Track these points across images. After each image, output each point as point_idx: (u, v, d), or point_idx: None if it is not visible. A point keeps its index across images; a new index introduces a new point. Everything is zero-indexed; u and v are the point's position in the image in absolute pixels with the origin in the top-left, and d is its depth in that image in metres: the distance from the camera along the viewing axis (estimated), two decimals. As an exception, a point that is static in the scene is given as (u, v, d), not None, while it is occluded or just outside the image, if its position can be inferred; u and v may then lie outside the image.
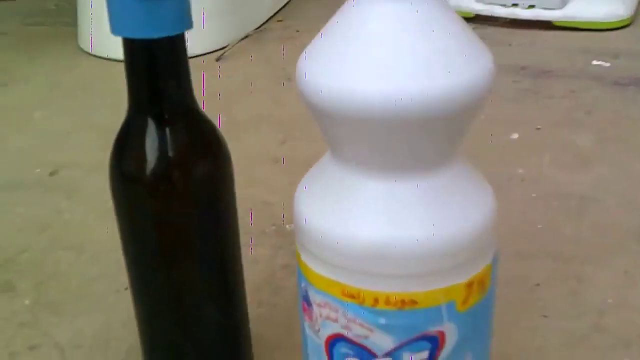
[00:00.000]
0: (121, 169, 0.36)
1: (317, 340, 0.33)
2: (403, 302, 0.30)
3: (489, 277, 0.32)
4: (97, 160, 0.59)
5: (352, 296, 0.31)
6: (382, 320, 0.30)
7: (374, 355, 0.31)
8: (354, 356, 0.32)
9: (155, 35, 0.33)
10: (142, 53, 0.34)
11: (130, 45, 0.34)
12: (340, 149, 0.31)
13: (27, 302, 0.52)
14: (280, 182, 0.66)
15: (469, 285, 0.31)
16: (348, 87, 0.28)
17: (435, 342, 0.31)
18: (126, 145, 0.36)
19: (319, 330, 0.33)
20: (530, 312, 0.49)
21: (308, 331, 0.34)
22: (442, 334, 0.31)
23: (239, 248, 0.40)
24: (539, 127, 0.76)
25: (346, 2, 0.30)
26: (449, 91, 0.28)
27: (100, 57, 1.00)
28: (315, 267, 0.32)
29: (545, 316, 0.48)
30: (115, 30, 0.33)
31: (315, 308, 0.33)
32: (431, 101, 0.27)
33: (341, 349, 0.32)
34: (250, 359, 0.43)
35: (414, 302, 0.30)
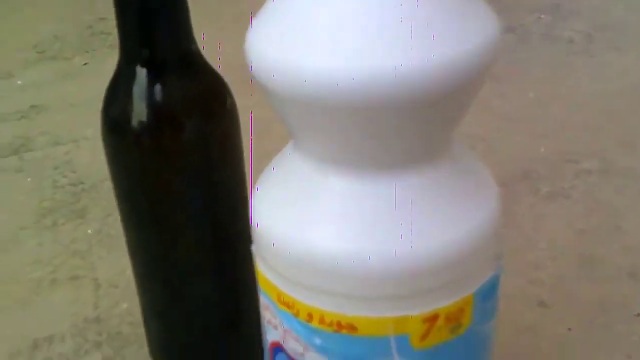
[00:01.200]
0: (109, 120, 0.32)
1: (266, 344, 0.28)
2: (339, 324, 0.24)
3: (469, 312, 0.24)
4: None
5: (287, 305, 0.25)
6: (317, 340, 0.25)
7: (312, 379, 0.26)
8: (291, 372, 0.26)
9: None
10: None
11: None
12: (300, 138, 0.25)
13: (89, 231, 0.52)
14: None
15: (430, 319, 0.24)
16: (295, 63, 0.22)
17: (382, 381, 0.25)
18: (114, 95, 0.32)
19: (265, 333, 0.28)
20: (614, 346, 0.39)
21: (265, 325, 0.29)
22: (391, 372, 0.24)
23: (245, 215, 0.35)
24: None
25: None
26: (428, 70, 0.21)
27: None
28: (258, 263, 0.26)
29: (629, 357, 0.39)
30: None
31: (261, 308, 0.27)
32: (406, 81, 0.21)
33: (279, 359, 0.27)
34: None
35: (352, 327, 0.24)
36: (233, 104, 0.33)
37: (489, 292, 0.25)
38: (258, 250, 0.26)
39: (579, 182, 0.55)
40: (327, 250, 0.23)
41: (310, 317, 0.24)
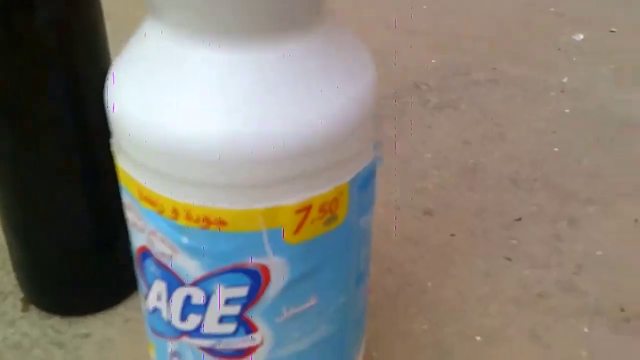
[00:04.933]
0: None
1: (133, 248, 0.26)
2: (207, 220, 0.22)
3: (345, 202, 0.23)
4: None
5: (150, 202, 0.23)
6: (185, 240, 0.23)
7: (181, 283, 0.24)
8: (161, 279, 0.25)
9: None
10: None
11: None
12: (162, 5, 0.22)
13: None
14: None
15: (303, 210, 0.22)
16: None
17: (256, 278, 0.23)
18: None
19: (131, 237, 0.26)
20: (493, 251, 0.40)
21: (130, 228, 0.27)
22: (264, 268, 0.23)
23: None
24: (613, 29, 0.63)
25: None
26: None
27: None
28: (118, 156, 0.24)
29: (508, 259, 0.39)
30: None
31: (125, 209, 0.25)
32: None
33: (150, 267, 0.25)
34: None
35: (221, 222, 0.22)
36: None
37: (364, 183, 0.24)
38: (117, 141, 0.24)
39: (468, 93, 0.55)
40: (187, 133, 0.21)
41: (175, 213, 0.22)
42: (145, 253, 0.25)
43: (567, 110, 0.52)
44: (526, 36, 0.63)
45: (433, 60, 0.59)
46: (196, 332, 0.25)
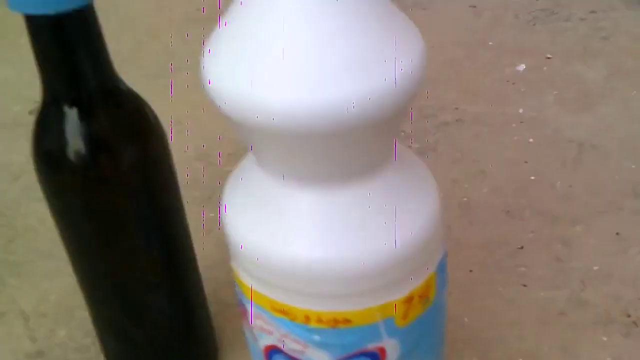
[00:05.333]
0: (43, 158, 0.33)
1: (255, 347, 0.31)
2: (336, 321, 0.28)
3: (433, 286, 0.29)
4: None
5: (283, 312, 0.28)
6: (317, 338, 0.28)
7: (311, 370, 0.30)
8: (291, 369, 0.30)
9: (60, 9, 0.29)
10: (48, 31, 0.30)
11: (33, 22, 0.30)
12: (260, 158, 0.28)
13: (-6, 263, 0.51)
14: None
15: (408, 300, 0.28)
16: (252, 95, 0.24)
17: (375, 358, 0.29)
18: (45, 134, 0.33)
19: (256, 339, 0.31)
20: (509, 279, 0.47)
21: (247, 334, 0.32)
22: (382, 349, 0.29)
23: (185, 226, 0.37)
24: (549, 56, 0.71)
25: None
26: (365, 99, 0.24)
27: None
28: (244, 279, 0.29)
29: (524, 285, 0.46)
30: (12, 5, 0.29)
31: (251, 318, 0.30)
32: (345, 111, 0.24)
33: (278, 359, 0.30)
34: (213, 346, 0.42)
35: (347, 320, 0.28)
36: (160, 127, 0.35)
37: (442, 266, 0.30)
38: (244, 266, 0.29)
39: (441, 135, 0.62)
40: (311, 260, 0.27)
41: (307, 319, 0.28)
42: (274, 350, 0.30)
43: (530, 140, 0.60)
44: (475, 72, 0.70)
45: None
46: (324, 410, 0.30)
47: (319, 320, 0.28)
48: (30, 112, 0.68)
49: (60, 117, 0.32)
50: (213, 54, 0.26)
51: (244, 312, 0.31)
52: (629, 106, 0.62)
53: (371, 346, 0.29)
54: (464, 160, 0.58)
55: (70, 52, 0.30)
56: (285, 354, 0.30)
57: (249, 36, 0.24)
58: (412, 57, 0.25)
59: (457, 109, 0.65)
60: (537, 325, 0.43)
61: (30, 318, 0.47)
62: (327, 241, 0.27)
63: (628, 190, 0.53)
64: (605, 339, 0.42)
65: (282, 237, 0.27)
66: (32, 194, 0.57)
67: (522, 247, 0.49)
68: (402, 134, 0.62)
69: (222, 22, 0.26)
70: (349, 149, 0.26)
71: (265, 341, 0.30)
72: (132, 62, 0.73)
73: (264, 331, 0.30)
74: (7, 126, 0.67)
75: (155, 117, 0.34)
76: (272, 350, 0.30)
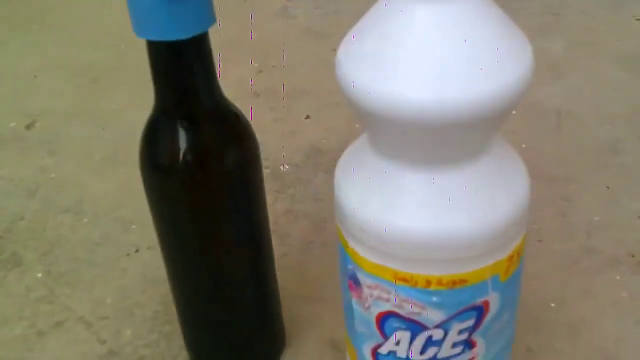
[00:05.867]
0: (155, 165, 0.36)
1: (366, 315, 0.36)
2: (454, 282, 0.32)
3: (523, 246, 0.34)
4: (73, 105, 0.55)
5: (404, 280, 0.33)
6: (435, 299, 0.33)
7: (425, 328, 0.34)
8: (405, 329, 0.34)
9: (182, 36, 0.32)
10: (168, 54, 0.33)
11: (155, 46, 0.33)
12: (383, 145, 0.32)
13: (39, 275, 0.53)
14: (263, 119, 0.66)
15: (510, 258, 0.33)
16: (396, 94, 0.28)
17: (480, 311, 0.34)
18: (158, 143, 0.36)
19: (369, 307, 0.35)
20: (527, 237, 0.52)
21: (356, 306, 0.36)
22: (486, 303, 0.34)
23: (267, 220, 0.41)
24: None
25: (379, 1, 0.30)
26: (490, 96, 0.28)
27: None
28: (364, 254, 0.33)
29: (539, 241, 0.52)
30: (140, 32, 0.32)
31: (365, 289, 0.34)
32: (474, 106, 0.28)
33: (393, 324, 0.34)
34: (280, 322, 0.46)
35: (464, 280, 0.32)
36: (254, 137, 0.38)
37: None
38: (366, 244, 0.33)
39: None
40: (435, 232, 0.31)
41: (428, 283, 0.32)
42: (388, 315, 0.34)
43: (514, 112, 0.66)
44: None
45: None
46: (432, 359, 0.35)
47: (439, 283, 0.32)
48: (27, 127, 0.68)
49: (174, 129, 0.35)
50: (354, 55, 0.30)
51: (353, 287, 0.35)
52: (593, 74, 0.69)
53: (479, 301, 0.33)
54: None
55: (187, 73, 0.34)
56: (402, 317, 0.34)
57: (390, 42, 0.29)
58: (525, 61, 0.29)
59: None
60: (558, 274, 0.49)
61: (92, 322, 0.49)
62: (448, 215, 0.31)
63: (609, 149, 0.60)
64: (618, 277, 0.49)
65: (407, 215, 0.31)
66: (54, 206, 0.59)
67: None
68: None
69: (358, 27, 0.30)
70: (464, 137, 0.30)
71: (380, 309, 0.34)
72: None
73: (381, 299, 0.34)
74: (7, 142, 0.67)
75: (250, 128, 0.38)
76: (386, 316, 0.34)
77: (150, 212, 0.38)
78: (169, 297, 0.49)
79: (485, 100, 0.28)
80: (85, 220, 0.57)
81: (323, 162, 0.61)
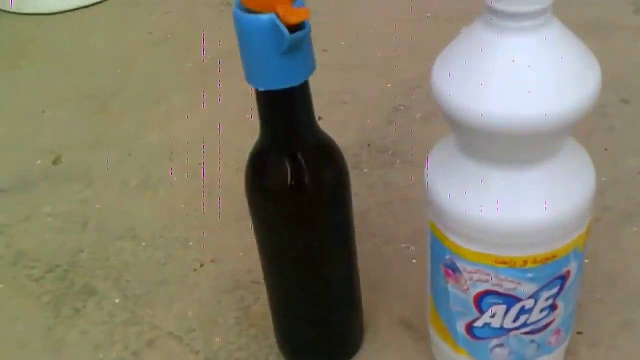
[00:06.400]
0: (266, 190, 0.41)
1: (463, 296, 0.41)
2: (546, 258, 0.38)
3: (590, 226, 0.41)
4: (90, 134, 0.58)
5: (504, 262, 0.39)
6: (530, 275, 0.39)
7: (518, 300, 0.40)
8: (502, 303, 0.40)
9: (294, 83, 0.37)
10: (278, 99, 0.38)
11: (267, 93, 0.37)
12: (473, 148, 0.38)
13: (117, 300, 0.56)
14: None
15: (586, 232, 0.40)
16: (490, 110, 0.34)
17: (563, 279, 0.40)
18: (266, 173, 0.41)
19: (467, 289, 0.41)
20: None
21: (452, 290, 0.42)
22: (568, 272, 0.40)
23: (353, 226, 0.46)
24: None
25: (471, 32, 0.36)
26: (570, 110, 0.34)
27: (23, 14, 0.96)
28: (465, 245, 0.39)
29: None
30: (256, 83, 0.37)
31: (464, 274, 0.40)
32: (556, 120, 0.34)
33: (490, 300, 0.41)
34: (362, 312, 0.51)
35: (554, 256, 0.38)
36: (344, 162, 0.43)
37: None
38: (467, 236, 0.39)
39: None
40: (533, 221, 0.37)
41: (525, 262, 0.38)
42: (486, 294, 0.40)
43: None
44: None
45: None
46: (523, 325, 0.41)
47: (534, 261, 0.38)
48: (54, 163, 0.71)
49: (281, 161, 0.40)
50: (449, 75, 0.36)
51: (450, 273, 0.41)
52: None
53: (564, 270, 0.40)
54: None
55: (294, 113, 0.39)
56: (499, 294, 0.40)
57: (480, 63, 0.35)
58: (591, 83, 0.35)
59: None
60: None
61: (181, 336, 0.53)
62: (541, 206, 0.37)
63: (596, 114, 0.67)
64: (635, 229, 0.56)
65: (508, 208, 0.37)
66: (110, 234, 0.62)
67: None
68: (402, 107, 0.73)
69: (450, 48, 0.36)
70: (540, 142, 0.36)
71: (479, 289, 0.40)
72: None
73: (480, 281, 0.40)
74: (40, 180, 0.70)
75: (341, 155, 0.43)
76: (483, 295, 0.40)
77: (255, 231, 0.43)
78: (246, 303, 0.54)
79: (550, 116, 0.34)
80: (144, 244, 0.61)
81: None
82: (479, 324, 0.42)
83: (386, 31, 0.86)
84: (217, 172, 0.68)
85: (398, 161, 0.66)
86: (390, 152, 0.67)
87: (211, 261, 0.59)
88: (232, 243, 0.60)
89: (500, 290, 0.40)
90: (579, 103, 0.35)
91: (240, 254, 0.59)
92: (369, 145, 0.68)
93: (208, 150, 0.71)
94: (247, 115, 0.75)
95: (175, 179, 0.68)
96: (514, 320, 0.41)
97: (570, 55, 0.35)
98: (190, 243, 0.61)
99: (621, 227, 0.56)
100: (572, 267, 0.40)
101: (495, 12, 0.34)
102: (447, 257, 0.41)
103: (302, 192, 0.41)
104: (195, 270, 0.58)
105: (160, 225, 0.62)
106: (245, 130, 0.73)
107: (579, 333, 0.49)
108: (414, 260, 0.56)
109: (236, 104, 0.76)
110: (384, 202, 0.61)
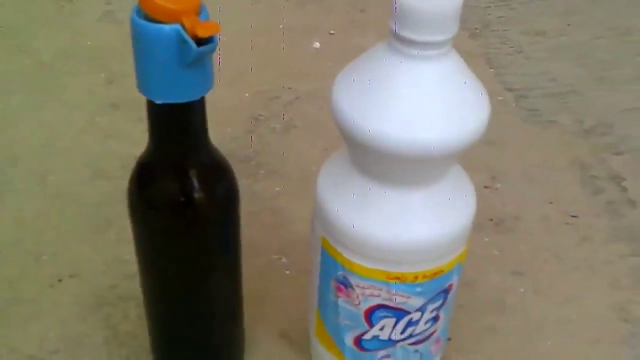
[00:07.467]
0: (155, 205, 0.39)
1: (354, 311, 0.42)
2: (435, 273, 0.40)
3: (464, 253, 0.43)
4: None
5: (396, 278, 0.40)
6: (419, 289, 0.41)
7: (407, 313, 0.42)
8: (392, 317, 0.42)
9: (194, 97, 0.36)
10: (175, 113, 0.36)
11: (163, 106, 0.36)
12: (366, 166, 0.39)
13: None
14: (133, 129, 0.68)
15: (465, 249, 0.42)
16: (387, 132, 0.35)
17: (447, 292, 0.42)
18: (150, 181, 0.39)
19: (358, 304, 0.42)
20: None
21: (343, 304, 0.43)
22: (451, 285, 0.42)
23: (240, 240, 0.45)
24: (332, 32, 0.86)
25: (374, 54, 0.37)
26: (459, 137, 0.36)
27: None
28: (358, 261, 0.40)
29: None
30: (150, 95, 0.35)
31: (357, 289, 0.41)
32: (447, 144, 0.36)
33: (380, 313, 0.42)
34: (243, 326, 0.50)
35: (441, 271, 0.40)
36: (233, 175, 0.42)
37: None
38: (357, 252, 0.39)
39: (292, 112, 0.73)
40: (422, 239, 0.39)
41: (415, 278, 0.40)
42: (377, 308, 0.41)
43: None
44: (286, 55, 0.82)
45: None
46: (409, 337, 0.43)
47: (424, 277, 0.40)
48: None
49: (173, 175, 0.39)
50: (346, 93, 0.37)
51: (341, 289, 0.42)
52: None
53: (448, 284, 0.42)
54: (324, 130, 0.70)
55: (186, 127, 0.38)
56: (390, 307, 0.41)
57: (378, 85, 0.36)
58: (481, 112, 0.37)
59: (290, 88, 0.77)
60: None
61: (44, 358, 0.49)
62: (429, 224, 0.39)
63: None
64: (486, 239, 0.60)
65: (397, 226, 0.39)
66: None
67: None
68: (261, 117, 0.73)
69: (352, 67, 0.37)
70: (432, 165, 0.38)
71: (370, 303, 0.41)
72: None
73: (372, 296, 0.41)
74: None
75: (232, 172, 0.42)
76: (374, 309, 0.42)
77: (136, 246, 0.41)
78: (114, 321, 0.52)
79: (448, 141, 0.36)
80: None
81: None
82: (367, 336, 0.43)
83: (241, 42, 0.85)
84: (68, 180, 0.64)
85: (262, 171, 0.66)
86: (253, 162, 0.67)
87: (70, 276, 0.55)
88: (91, 257, 0.57)
89: (391, 304, 0.41)
90: (475, 130, 0.37)
91: (103, 268, 0.56)
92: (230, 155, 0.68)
93: (55, 155, 0.66)
94: (96, 119, 0.73)
95: (20, 187, 0.63)
96: (402, 332, 0.43)
97: (467, 85, 0.37)
98: (45, 257, 0.57)
99: (473, 238, 0.60)
100: (455, 280, 0.42)
101: (401, 39, 0.35)
102: (340, 273, 0.41)
103: (192, 208, 0.40)
104: (52, 286, 0.54)
105: (8, 238, 0.58)
106: (95, 134, 0.70)
107: (449, 339, 0.51)
108: (287, 272, 0.56)
109: (82, 107, 0.72)
110: (251, 213, 0.61)
